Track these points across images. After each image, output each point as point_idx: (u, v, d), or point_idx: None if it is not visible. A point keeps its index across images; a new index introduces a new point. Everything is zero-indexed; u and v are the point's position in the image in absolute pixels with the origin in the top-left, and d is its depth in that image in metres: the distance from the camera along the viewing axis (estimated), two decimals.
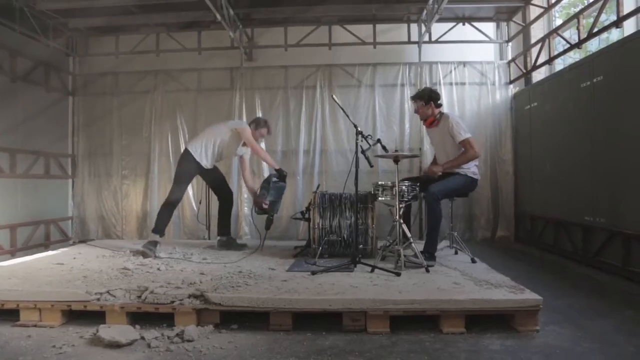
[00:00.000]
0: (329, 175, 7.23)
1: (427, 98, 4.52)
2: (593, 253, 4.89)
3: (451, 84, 7.05)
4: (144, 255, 4.70)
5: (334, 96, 4.37)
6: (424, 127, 6.74)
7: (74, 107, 7.59)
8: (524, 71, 6.80)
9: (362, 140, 4.13)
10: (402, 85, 7.14)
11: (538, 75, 6.70)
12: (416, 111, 4.69)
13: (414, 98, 4.66)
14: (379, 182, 4.36)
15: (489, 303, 3.03)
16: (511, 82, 7.08)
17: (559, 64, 6.45)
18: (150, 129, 7.45)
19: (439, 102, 4.60)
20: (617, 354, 2.65)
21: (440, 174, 4.41)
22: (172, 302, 3.24)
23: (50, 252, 5.19)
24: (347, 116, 4.30)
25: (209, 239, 6.61)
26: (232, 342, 2.98)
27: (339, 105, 4.30)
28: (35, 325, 3.31)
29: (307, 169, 7.33)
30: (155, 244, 4.90)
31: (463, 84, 7.06)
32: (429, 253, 4.22)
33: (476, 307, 3.02)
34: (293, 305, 3.16)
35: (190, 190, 7.36)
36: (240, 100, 7.35)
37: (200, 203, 6.96)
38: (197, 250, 5.23)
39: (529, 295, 3.07)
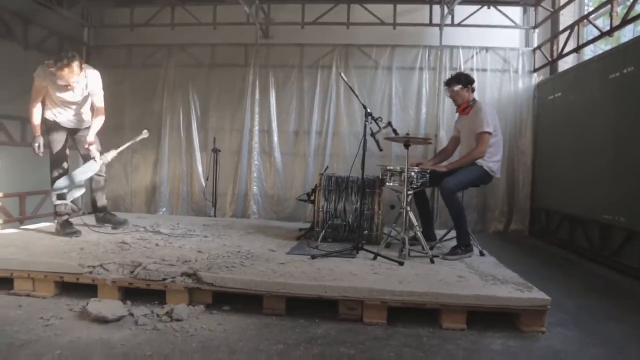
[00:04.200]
0: (340, 158, 7.05)
1: (465, 81, 4.28)
2: (610, 252, 4.64)
3: (472, 69, 6.72)
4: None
5: (342, 74, 4.17)
6: (443, 114, 6.58)
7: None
8: (550, 59, 6.46)
9: (371, 122, 3.94)
10: (421, 69, 6.86)
11: (564, 65, 6.36)
12: (451, 96, 4.39)
13: (450, 82, 4.35)
14: (388, 167, 4.16)
15: (492, 300, 2.85)
16: (535, 70, 6.74)
17: (588, 54, 6.10)
18: (162, 103, 7.34)
19: (473, 85, 4.37)
20: None
21: (445, 170, 4.24)
22: (164, 279, 3.14)
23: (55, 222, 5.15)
24: (356, 96, 4.10)
25: (215, 216, 6.53)
26: (222, 325, 2.87)
27: (346, 83, 4.08)
28: (28, 295, 3.27)
29: (318, 150, 7.15)
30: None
31: (485, 70, 6.74)
32: (465, 245, 4.05)
33: (479, 303, 2.85)
34: (287, 289, 3.03)
35: (199, 166, 7.28)
36: (254, 77, 7.17)
37: (207, 179, 6.90)
38: (214, 228, 5.13)
39: (537, 295, 2.87)
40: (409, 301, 2.91)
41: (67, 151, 4.58)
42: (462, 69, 6.72)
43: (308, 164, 7.14)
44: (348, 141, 7.00)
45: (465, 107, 4.32)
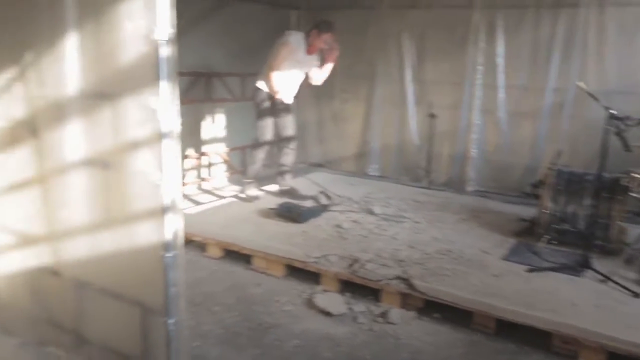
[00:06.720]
0: (581, 121, 6.84)
1: None
2: None
3: None
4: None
5: (579, 83, 4.25)
6: None
7: (298, 23, 8.59)
8: None
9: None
10: None
11: None
12: None
13: None
14: (632, 173, 4.22)
15: None
16: None
17: None
18: (373, 50, 8.04)
19: None
20: None
21: None
22: (379, 280, 4.06)
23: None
24: (596, 100, 4.16)
25: (429, 188, 7.18)
26: (431, 336, 3.66)
27: (586, 92, 4.19)
28: (264, 273, 4.58)
29: (552, 111, 7.04)
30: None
31: None
32: None
33: None
34: (497, 313, 3.64)
35: (413, 123, 7.88)
36: (479, 20, 7.27)
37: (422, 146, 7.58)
38: (426, 207, 5.97)
39: None
40: (633, 352, 3.25)
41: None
42: None
43: (539, 127, 7.14)
44: (594, 102, 6.73)
45: None
